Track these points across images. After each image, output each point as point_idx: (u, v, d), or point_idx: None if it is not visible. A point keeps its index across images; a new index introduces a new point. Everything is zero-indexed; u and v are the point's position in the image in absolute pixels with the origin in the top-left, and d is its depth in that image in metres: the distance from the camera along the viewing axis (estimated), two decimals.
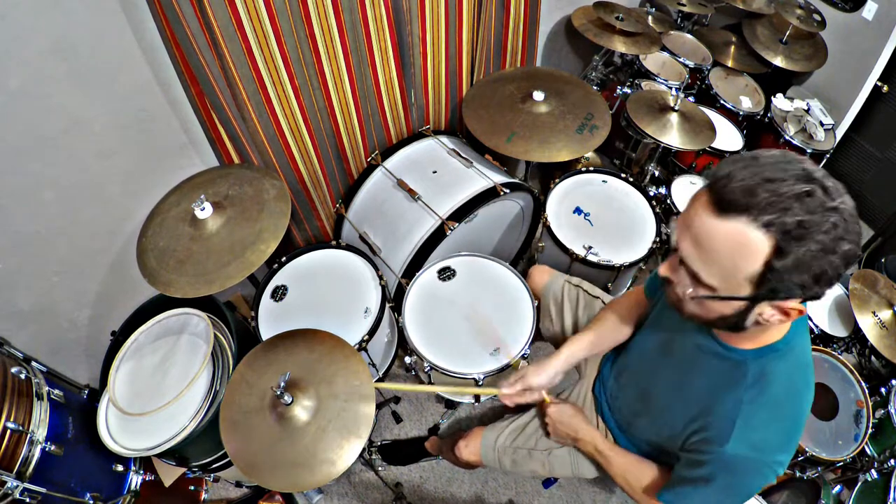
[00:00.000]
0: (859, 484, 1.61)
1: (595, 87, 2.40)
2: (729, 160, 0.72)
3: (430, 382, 1.63)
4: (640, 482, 1.10)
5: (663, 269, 0.83)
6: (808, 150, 2.24)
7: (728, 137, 2.27)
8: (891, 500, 1.48)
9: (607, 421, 1.31)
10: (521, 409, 1.37)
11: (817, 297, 0.72)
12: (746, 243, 0.67)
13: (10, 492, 1.21)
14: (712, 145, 2.00)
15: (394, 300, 1.81)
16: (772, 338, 0.85)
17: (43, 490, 1.28)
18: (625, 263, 1.74)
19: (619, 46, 2.11)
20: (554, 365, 1.24)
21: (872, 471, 1.57)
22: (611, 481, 1.19)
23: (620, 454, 1.16)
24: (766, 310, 0.74)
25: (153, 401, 1.40)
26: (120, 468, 1.56)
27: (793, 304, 0.72)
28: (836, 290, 1.99)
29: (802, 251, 0.65)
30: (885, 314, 1.79)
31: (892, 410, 1.64)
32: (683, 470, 0.98)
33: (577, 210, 1.91)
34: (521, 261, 2.27)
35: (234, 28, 1.38)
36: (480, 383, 1.50)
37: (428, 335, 1.55)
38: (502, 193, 1.74)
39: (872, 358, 1.92)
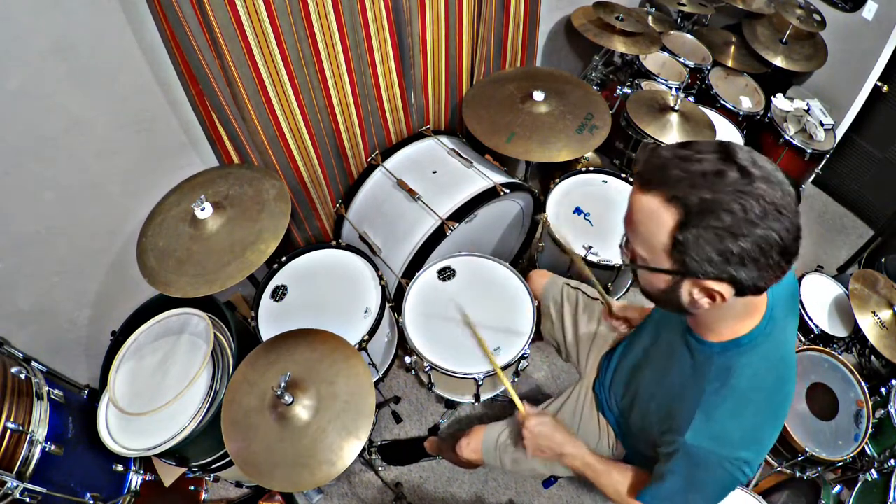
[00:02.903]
0: (859, 484, 1.61)
1: (595, 87, 2.40)
2: (668, 145, 0.76)
3: (430, 383, 1.63)
4: (628, 489, 1.09)
5: (620, 244, 0.87)
6: (808, 150, 2.24)
7: (728, 137, 2.27)
8: (891, 500, 1.48)
9: (608, 418, 1.32)
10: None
11: (743, 283, 0.71)
12: (656, 216, 0.72)
13: (10, 492, 1.21)
14: None
15: (394, 300, 1.81)
16: (736, 332, 0.86)
17: (43, 490, 1.27)
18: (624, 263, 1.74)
19: (619, 46, 2.11)
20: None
21: (872, 471, 1.57)
22: None
23: (610, 466, 1.14)
24: (693, 289, 0.76)
25: (153, 401, 1.40)
26: (120, 468, 1.56)
27: (715, 285, 0.73)
28: (836, 290, 1.99)
29: (703, 227, 0.68)
30: (885, 314, 1.79)
31: (892, 410, 1.64)
32: (659, 465, 0.99)
33: (577, 210, 1.91)
34: (521, 261, 2.27)
35: (234, 28, 1.38)
36: (480, 383, 1.50)
37: (428, 335, 1.55)
38: (502, 193, 1.74)
39: (872, 358, 1.92)
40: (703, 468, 0.87)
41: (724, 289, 0.73)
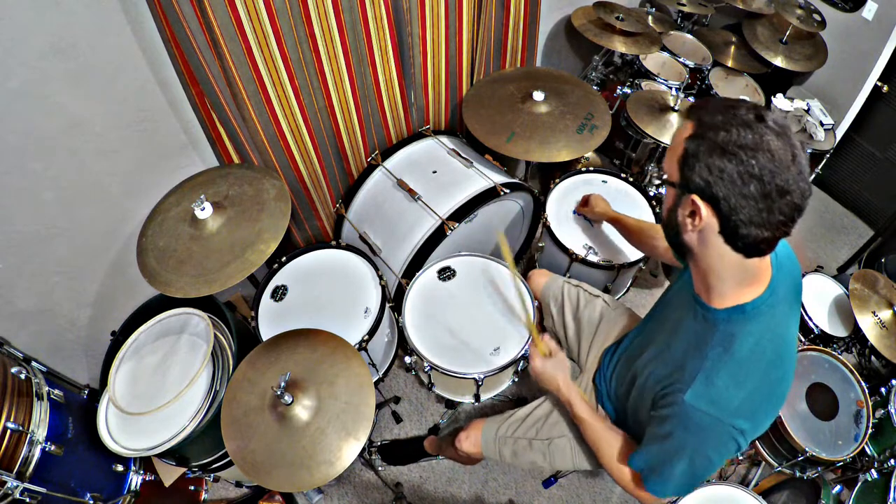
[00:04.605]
0: (859, 484, 1.61)
1: (595, 87, 2.40)
2: None
3: (430, 383, 1.63)
4: (613, 450, 1.13)
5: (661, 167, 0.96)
6: (808, 150, 2.24)
7: None
8: (891, 500, 1.48)
9: (607, 409, 1.34)
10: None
11: (721, 209, 0.80)
12: (681, 129, 0.85)
13: (10, 492, 1.21)
14: None
15: (394, 300, 1.81)
16: (739, 299, 0.89)
17: (43, 490, 1.27)
18: (624, 263, 1.74)
19: (619, 46, 2.11)
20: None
21: (872, 471, 1.57)
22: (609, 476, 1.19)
23: (597, 422, 1.18)
24: (686, 207, 0.84)
25: (153, 401, 1.40)
26: (120, 468, 1.55)
27: (698, 200, 0.81)
28: (836, 290, 1.99)
29: (702, 138, 0.80)
30: (885, 314, 1.79)
31: (892, 410, 1.64)
32: (651, 429, 1.01)
33: None
34: (521, 261, 2.27)
35: (234, 28, 1.38)
36: (480, 383, 1.50)
37: (428, 335, 1.55)
38: (502, 193, 1.74)
39: (872, 358, 1.92)
40: (699, 430, 0.90)
41: (706, 210, 0.81)
